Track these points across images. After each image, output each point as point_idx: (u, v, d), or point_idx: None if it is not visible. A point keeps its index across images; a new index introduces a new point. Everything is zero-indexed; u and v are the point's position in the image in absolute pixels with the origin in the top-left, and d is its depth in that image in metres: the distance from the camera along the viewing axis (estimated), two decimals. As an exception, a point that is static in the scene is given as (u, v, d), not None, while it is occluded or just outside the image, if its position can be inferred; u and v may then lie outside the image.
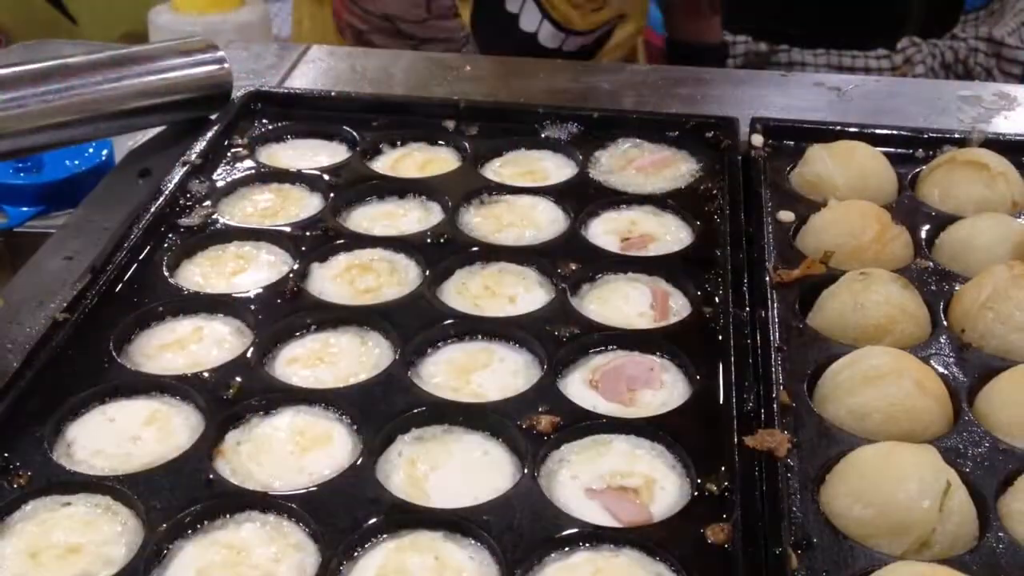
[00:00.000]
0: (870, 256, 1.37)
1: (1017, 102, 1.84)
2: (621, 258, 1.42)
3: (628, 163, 1.62)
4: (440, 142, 1.68)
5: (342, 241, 1.43)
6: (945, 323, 1.27)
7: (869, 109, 1.80)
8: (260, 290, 1.33)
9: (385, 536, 1.01)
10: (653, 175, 1.59)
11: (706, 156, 1.63)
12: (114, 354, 1.22)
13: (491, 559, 0.99)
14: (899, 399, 1.13)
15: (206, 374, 1.19)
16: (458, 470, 1.09)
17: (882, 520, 1.00)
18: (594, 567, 0.98)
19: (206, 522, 1.02)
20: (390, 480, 1.08)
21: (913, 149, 1.62)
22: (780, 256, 1.39)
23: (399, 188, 1.56)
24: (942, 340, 1.25)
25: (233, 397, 1.16)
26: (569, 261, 1.39)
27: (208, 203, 1.50)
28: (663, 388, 1.21)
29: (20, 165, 1.74)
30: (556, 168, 1.63)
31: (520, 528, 1.01)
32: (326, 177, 1.57)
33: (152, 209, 1.43)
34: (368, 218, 1.51)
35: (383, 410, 1.14)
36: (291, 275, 1.36)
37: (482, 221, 1.49)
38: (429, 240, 1.43)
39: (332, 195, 1.53)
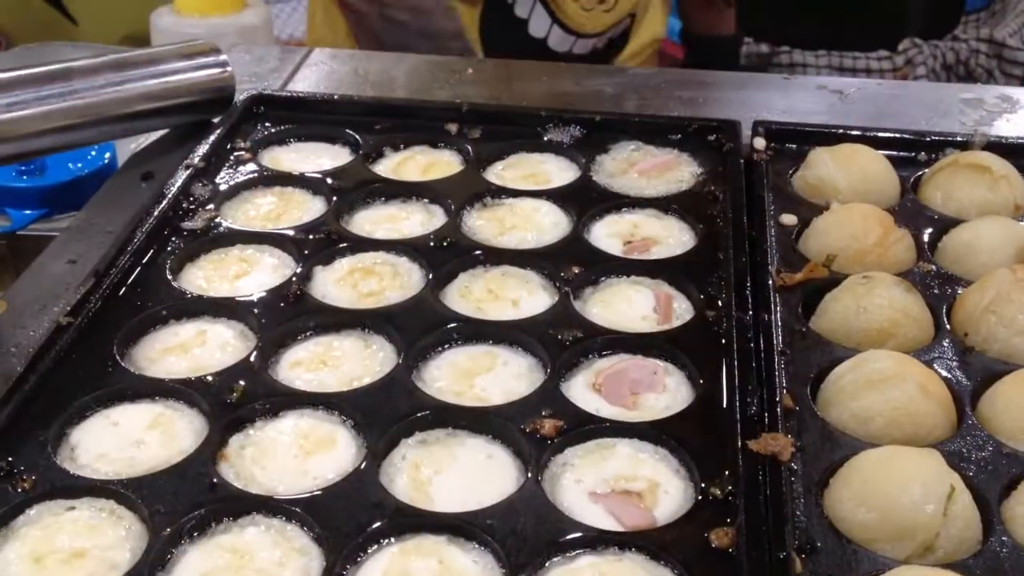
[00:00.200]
0: (873, 259, 1.37)
1: (1019, 105, 1.84)
2: (624, 261, 1.42)
3: (630, 166, 1.62)
4: (443, 145, 1.68)
5: (345, 244, 1.43)
6: (948, 327, 1.27)
7: (871, 112, 1.80)
8: (263, 293, 1.33)
9: (389, 540, 1.01)
10: (655, 178, 1.60)
11: (708, 159, 1.63)
12: (117, 358, 1.22)
13: (495, 563, 0.99)
14: (902, 403, 1.13)
15: (209, 378, 1.19)
16: (462, 474, 1.09)
17: (886, 524, 1.00)
18: (598, 571, 0.98)
19: (210, 526, 1.02)
20: (394, 484, 1.08)
21: (915, 152, 1.62)
22: (783, 259, 1.39)
23: (402, 191, 1.56)
24: (945, 344, 1.25)
25: (237, 401, 1.16)
26: (572, 264, 1.39)
27: (211, 206, 1.50)
28: (666, 392, 1.21)
29: (23, 168, 1.73)
30: (558, 171, 1.63)
31: (524, 532, 1.01)
32: (329, 180, 1.57)
33: (155, 212, 1.44)
34: (371, 221, 1.51)
35: (386, 414, 1.14)
36: (294, 279, 1.36)
37: (485, 224, 1.49)
38: (432, 243, 1.43)
39: (335, 198, 1.53)
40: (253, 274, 1.39)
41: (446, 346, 1.26)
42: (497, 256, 1.41)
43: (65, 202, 1.71)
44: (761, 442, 1.08)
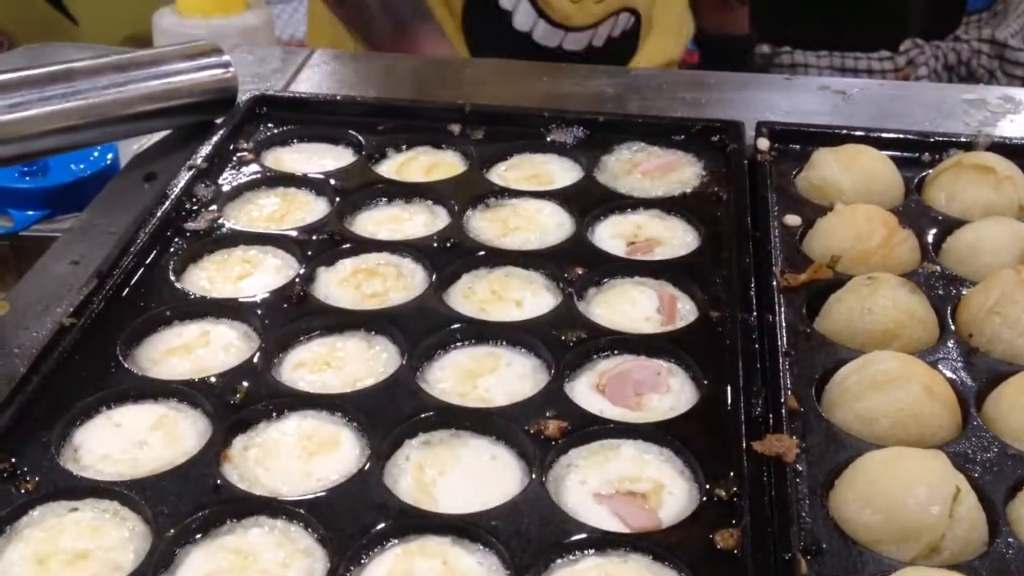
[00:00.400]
0: (877, 260, 1.36)
1: (1023, 105, 1.84)
2: (627, 262, 1.41)
3: (634, 167, 1.62)
4: (445, 146, 1.68)
5: (348, 245, 1.43)
6: (953, 328, 1.27)
7: (874, 113, 1.80)
8: (266, 295, 1.33)
9: (393, 541, 1.01)
10: (659, 179, 1.59)
11: (712, 160, 1.62)
12: (120, 359, 1.22)
13: (499, 564, 0.99)
14: (907, 404, 1.12)
15: (213, 379, 1.18)
16: (466, 475, 1.09)
17: (891, 526, 1.00)
18: (603, 573, 0.98)
19: (214, 528, 1.02)
20: (398, 485, 1.07)
21: (919, 153, 1.62)
22: (787, 260, 1.39)
23: (405, 192, 1.56)
24: (950, 345, 1.24)
25: (240, 402, 1.16)
26: (575, 265, 1.38)
27: (214, 207, 1.49)
28: (670, 393, 1.20)
29: (25, 169, 1.73)
30: (561, 172, 1.63)
31: (528, 533, 1.01)
32: (332, 181, 1.57)
33: (158, 213, 1.43)
34: (374, 222, 1.50)
35: (390, 415, 1.14)
36: (297, 279, 1.36)
37: (488, 225, 1.49)
38: (435, 244, 1.43)
39: (338, 199, 1.53)
40: (256, 275, 1.39)
41: (449, 347, 1.26)
42: (500, 257, 1.41)
43: (67, 203, 1.71)
44: (766, 443, 1.07)
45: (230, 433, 1.12)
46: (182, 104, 1.65)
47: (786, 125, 1.68)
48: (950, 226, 1.46)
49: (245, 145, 1.65)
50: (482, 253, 1.42)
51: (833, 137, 1.63)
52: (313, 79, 1.94)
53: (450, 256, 1.41)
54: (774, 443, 1.07)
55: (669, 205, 1.53)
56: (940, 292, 1.33)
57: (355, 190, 1.55)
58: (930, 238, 1.44)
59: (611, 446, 1.12)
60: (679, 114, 1.78)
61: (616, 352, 1.25)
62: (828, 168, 1.53)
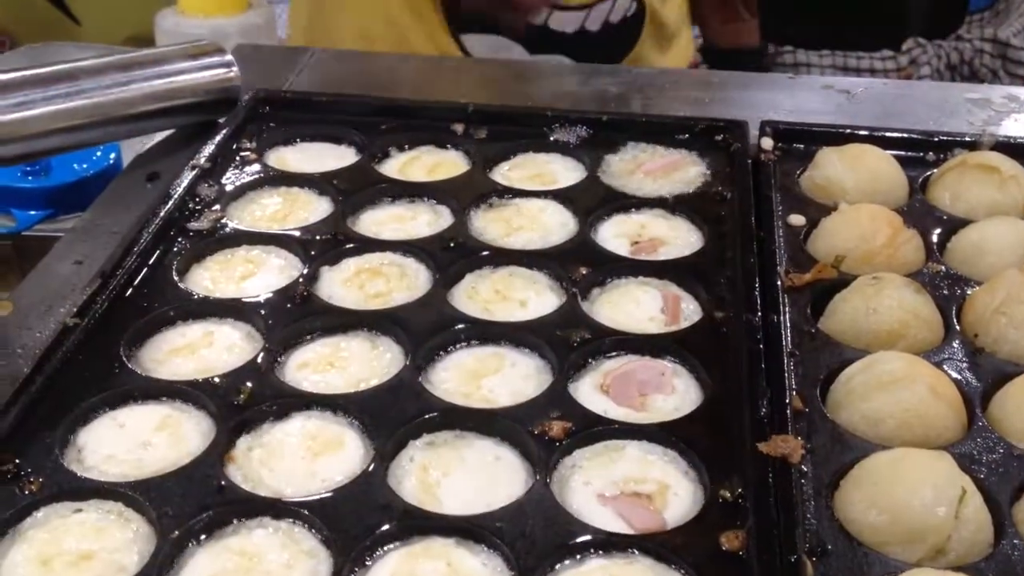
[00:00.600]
0: (882, 260, 1.36)
1: (1027, 105, 1.83)
2: (631, 262, 1.41)
3: (637, 166, 1.62)
4: (449, 145, 1.68)
5: (351, 245, 1.43)
6: (958, 328, 1.27)
7: (878, 112, 1.80)
8: (270, 295, 1.33)
9: (397, 543, 1.01)
10: (662, 178, 1.59)
11: (715, 159, 1.62)
12: (124, 359, 1.21)
13: (504, 566, 0.99)
14: (912, 405, 1.12)
15: (216, 379, 1.18)
16: (470, 476, 1.09)
17: (897, 527, 1.00)
18: (607, 574, 0.98)
19: (218, 529, 1.02)
20: (402, 486, 1.07)
21: (923, 152, 1.62)
22: (791, 260, 1.38)
23: (408, 192, 1.56)
24: (955, 345, 1.24)
25: (244, 402, 1.15)
26: (579, 265, 1.38)
27: (217, 207, 1.49)
28: (674, 393, 1.20)
29: (28, 168, 1.73)
30: (565, 171, 1.63)
31: (533, 535, 1.00)
32: (335, 181, 1.57)
33: (161, 213, 1.43)
34: (377, 222, 1.50)
35: (394, 415, 1.14)
36: (301, 279, 1.35)
37: (492, 225, 1.49)
38: (439, 244, 1.43)
39: (341, 199, 1.53)
40: (260, 275, 1.38)
41: (453, 347, 1.26)
42: (504, 257, 1.41)
43: (70, 203, 1.71)
44: (771, 444, 1.07)
45: (234, 434, 1.12)
46: (185, 104, 1.64)
47: (790, 124, 1.67)
48: (954, 226, 1.45)
49: (248, 145, 1.65)
50: (486, 253, 1.41)
51: (837, 136, 1.62)
52: (316, 78, 1.94)
53: (454, 256, 1.40)
54: (779, 444, 1.07)
55: (673, 205, 1.52)
56: (945, 292, 1.33)
57: (358, 190, 1.55)
58: (934, 238, 1.44)
59: (615, 447, 1.12)
60: (682, 113, 1.77)
61: (620, 352, 1.25)
62: (832, 168, 1.53)
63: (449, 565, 0.98)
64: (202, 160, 1.56)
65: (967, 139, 1.62)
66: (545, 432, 1.11)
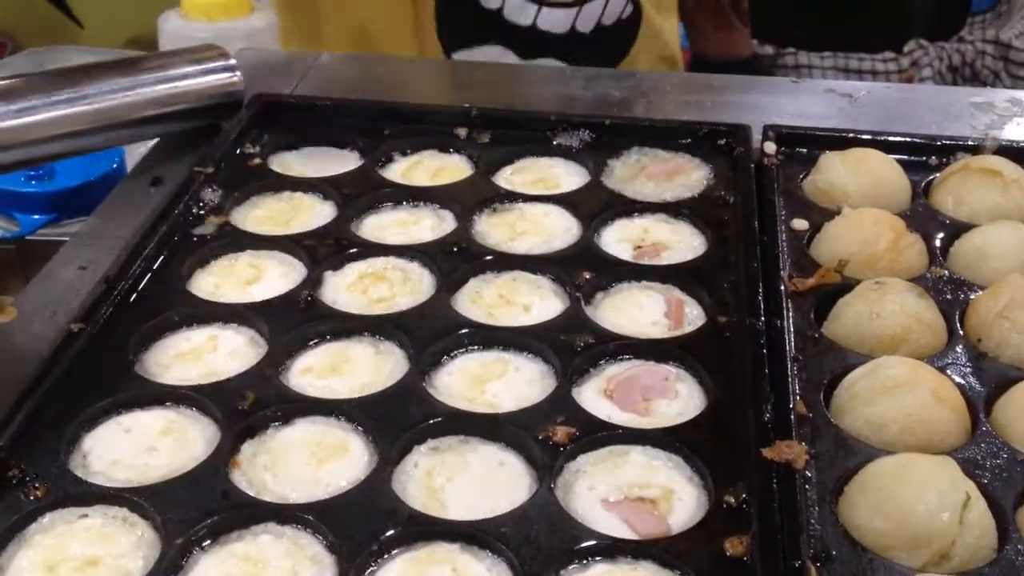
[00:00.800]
0: (885, 264, 1.36)
1: (1030, 108, 1.83)
2: (634, 267, 1.41)
3: (640, 171, 1.62)
4: (452, 150, 1.68)
5: (355, 250, 1.43)
6: (961, 333, 1.27)
7: (881, 116, 1.80)
8: (274, 299, 1.33)
9: (402, 548, 1.01)
10: (665, 183, 1.59)
11: (718, 164, 1.62)
12: (129, 364, 1.22)
13: (509, 571, 0.99)
14: (916, 409, 1.12)
15: (221, 384, 1.18)
16: (475, 481, 1.09)
17: (901, 532, 1.00)
18: (612, 579, 0.98)
19: (223, 534, 1.02)
20: (407, 491, 1.07)
21: (926, 156, 1.61)
22: (794, 264, 1.38)
23: (411, 196, 1.56)
24: (958, 350, 1.24)
25: (248, 408, 1.15)
26: (582, 269, 1.38)
27: (221, 212, 1.49)
28: (678, 398, 1.20)
29: (32, 173, 1.74)
30: (568, 176, 1.63)
31: (537, 540, 1.00)
32: (338, 185, 1.57)
33: (165, 218, 1.43)
34: (380, 227, 1.50)
35: (398, 421, 1.14)
36: (304, 284, 1.35)
37: (495, 229, 1.49)
38: (442, 249, 1.43)
39: (344, 203, 1.53)
40: (263, 280, 1.38)
41: (457, 352, 1.26)
42: (508, 261, 1.41)
43: (74, 207, 1.72)
44: (775, 449, 1.07)
45: (239, 439, 1.12)
46: (188, 108, 1.64)
47: (793, 128, 1.67)
48: (957, 230, 1.45)
49: (252, 149, 1.65)
50: (489, 257, 1.42)
51: (840, 140, 1.62)
52: (319, 83, 1.94)
53: (457, 261, 1.40)
54: (783, 449, 1.07)
55: (676, 209, 1.52)
56: (948, 297, 1.33)
57: (361, 194, 1.55)
58: (937, 242, 1.44)
59: (620, 452, 1.12)
60: (685, 117, 1.77)
61: (624, 357, 1.25)
62: (835, 172, 1.53)
63: (454, 571, 0.98)
64: (206, 165, 1.56)
65: (970, 143, 1.62)
66: (549, 437, 1.12)
